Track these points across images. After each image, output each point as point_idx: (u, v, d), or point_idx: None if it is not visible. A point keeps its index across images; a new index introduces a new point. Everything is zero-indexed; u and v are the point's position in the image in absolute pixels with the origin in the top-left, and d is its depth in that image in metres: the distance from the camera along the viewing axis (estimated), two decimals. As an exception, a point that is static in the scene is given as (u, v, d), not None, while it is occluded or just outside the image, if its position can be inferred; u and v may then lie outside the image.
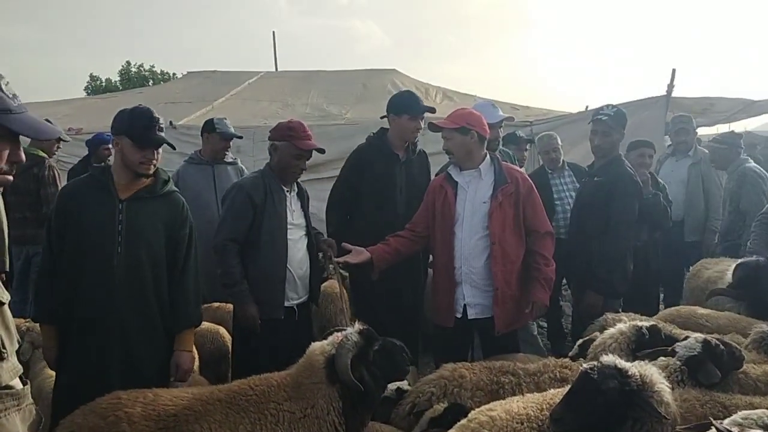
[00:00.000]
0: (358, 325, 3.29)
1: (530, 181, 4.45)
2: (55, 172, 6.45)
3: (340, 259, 4.32)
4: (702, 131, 8.83)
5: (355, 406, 3.13)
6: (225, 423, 2.93)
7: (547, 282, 4.30)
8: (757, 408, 2.72)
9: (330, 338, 3.29)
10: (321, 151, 4.32)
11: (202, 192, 5.63)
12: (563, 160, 6.59)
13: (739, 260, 4.84)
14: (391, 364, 3.30)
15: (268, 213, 4.17)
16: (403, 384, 3.79)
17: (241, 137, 5.86)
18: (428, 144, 5.24)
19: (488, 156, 4.39)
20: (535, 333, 5.23)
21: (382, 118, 5.08)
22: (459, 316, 4.32)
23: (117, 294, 3.37)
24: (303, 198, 4.43)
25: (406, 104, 4.83)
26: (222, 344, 4.75)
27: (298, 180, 4.44)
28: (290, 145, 4.18)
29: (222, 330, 4.87)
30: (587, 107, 9.64)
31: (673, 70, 8.40)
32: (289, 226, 4.24)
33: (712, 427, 2.34)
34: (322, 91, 10.32)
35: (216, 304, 5.24)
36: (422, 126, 4.84)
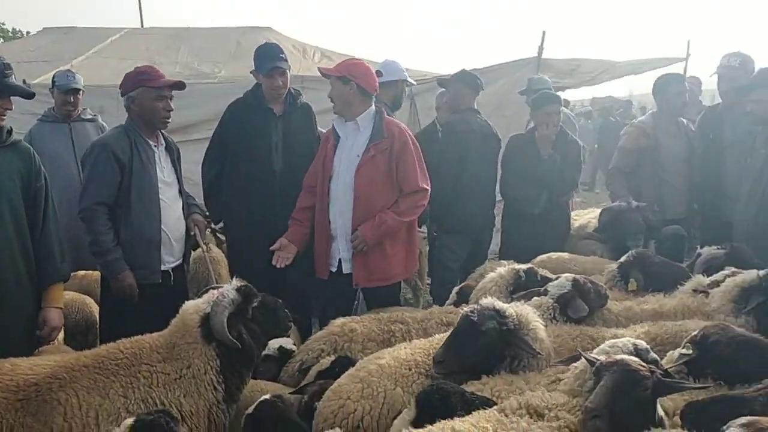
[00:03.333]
0: (235, 282, 3.17)
1: (408, 136, 4.34)
2: None
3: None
4: (569, 94, 9.20)
5: (234, 364, 3.03)
6: (93, 389, 2.75)
7: (381, 224, 4.15)
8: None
9: (205, 296, 3.15)
10: (181, 86, 4.06)
11: (58, 152, 5.18)
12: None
13: (604, 205, 5.15)
14: (272, 321, 3.22)
15: (136, 171, 3.89)
16: (286, 342, 3.73)
17: (80, 89, 5.41)
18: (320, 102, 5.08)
19: (372, 110, 4.31)
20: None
21: (251, 72, 4.84)
22: (333, 270, 4.30)
23: None
24: (173, 152, 4.18)
25: (259, 62, 4.63)
26: (89, 314, 4.45)
27: (166, 134, 4.18)
28: (146, 89, 3.93)
29: (88, 299, 4.57)
30: (463, 70, 9.77)
31: (543, 32, 8.67)
32: (160, 184, 3.99)
33: (582, 357, 2.46)
34: (193, 49, 9.74)
35: (81, 273, 4.90)
36: (282, 83, 4.58)
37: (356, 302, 4.54)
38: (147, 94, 3.92)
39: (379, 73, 4.47)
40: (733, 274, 3.47)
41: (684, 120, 5.86)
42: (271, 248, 4.26)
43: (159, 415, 2.34)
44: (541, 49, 8.70)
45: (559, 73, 8.72)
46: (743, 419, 1.77)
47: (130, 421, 2.35)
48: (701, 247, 4.49)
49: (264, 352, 3.50)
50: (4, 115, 3.21)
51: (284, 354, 3.71)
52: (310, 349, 3.58)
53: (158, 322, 3.48)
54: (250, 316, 3.11)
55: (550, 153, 5.33)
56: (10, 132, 3.31)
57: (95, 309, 4.44)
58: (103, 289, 4.09)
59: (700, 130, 5.64)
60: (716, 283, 3.50)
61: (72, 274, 4.81)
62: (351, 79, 4.18)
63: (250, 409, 2.80)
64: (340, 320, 3.70)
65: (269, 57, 4.59)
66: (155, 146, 4.04)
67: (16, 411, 2.61)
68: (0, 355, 2.96)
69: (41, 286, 3.40)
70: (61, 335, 3.97)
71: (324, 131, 4.69)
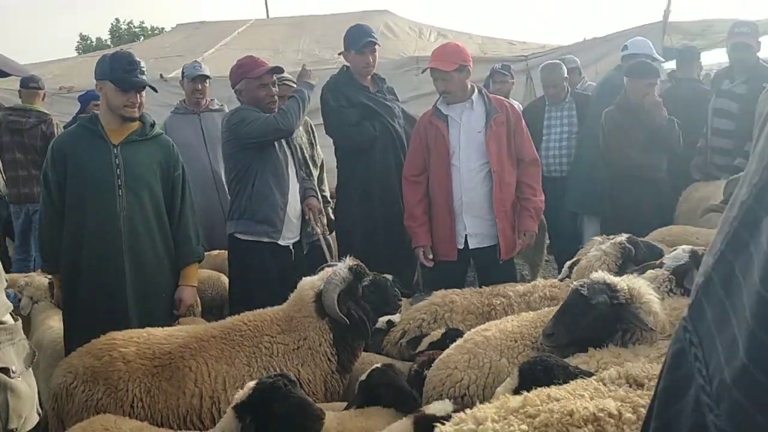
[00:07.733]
0: (348, 261, 3.31)
1: (517, 110, 4.52)
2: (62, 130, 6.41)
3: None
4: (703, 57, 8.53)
5: (346, 338, 3.19)
6: (221, 358, 2.99)
7: (536, 212, 4.37)
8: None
9: (320, 273, 3.33)
10: (279, 70, 4.31)
11: (190, 142, 5.36)
12: (568, 91, 6.11)
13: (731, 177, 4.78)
14: (381, 299, 3.34)
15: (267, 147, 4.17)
16: (395, 317, 3.83)
17: (207, 77, 5.68)
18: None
19: (475, 87, 4.38)
20: None
21: (339, 54, 5.01)
22: (461, 247, 4.32)
23: (123, 238, 3.47)
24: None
25: (350, 40, 4.74)
26: (223, 290, 4.81)
27: None
28: (247, 81, 4.17)
29: (223, 276, 4.92)
30: (584, 39, 9.40)
31: (669, -6, 8.15)
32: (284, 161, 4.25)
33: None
34: (315, 36, 10.12)
35: (215, 252, 5.27)
36: (372, 61, 4.72)
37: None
38: (250, 84, 4.16)
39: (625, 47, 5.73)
40: None
41: None
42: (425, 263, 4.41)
43: (278, 378, 2.47)
44: (667, 11, 8.20)
45: (688, 35, 8.20)
46: None
47: (253, 383, 2.49)
48: None
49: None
50: (133, 108, 3.51)
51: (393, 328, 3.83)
52: (411, 318, 3.71)
53: (281, 295, 3.70)
54: (360, 294, 3.25)
55: (665, 117, 5.11)
56: (153, 125, 3.67)
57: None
58: (231, 265, 4.37)
59: None
60: None
61: (206, 253, 5.26)
62: (465, 65, 4.25)
63: (363, 376, 2.93)
64: (441, 291, 3.81)
65: (358, 35, 4.72)
66: None
67: (152, 376, 2.89)
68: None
69: (179, 267, 3.73)
70: (199, 309, 4.35)
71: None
